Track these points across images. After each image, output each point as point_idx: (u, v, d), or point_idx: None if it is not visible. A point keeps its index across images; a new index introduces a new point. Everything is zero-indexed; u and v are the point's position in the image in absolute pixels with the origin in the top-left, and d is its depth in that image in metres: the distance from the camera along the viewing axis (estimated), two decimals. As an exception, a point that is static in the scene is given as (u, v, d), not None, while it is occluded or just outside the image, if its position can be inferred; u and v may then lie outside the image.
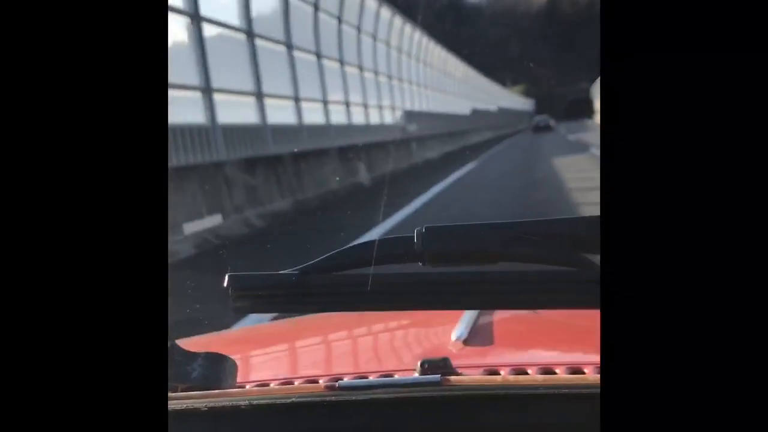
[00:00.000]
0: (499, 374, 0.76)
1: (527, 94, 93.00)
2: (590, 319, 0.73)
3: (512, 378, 0.66)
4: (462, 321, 1.02)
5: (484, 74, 54.28)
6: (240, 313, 0.63)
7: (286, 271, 0.63)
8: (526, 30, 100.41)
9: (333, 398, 0.61)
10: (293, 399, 0.62)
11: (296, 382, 0.82)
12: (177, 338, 0.72)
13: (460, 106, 37.65)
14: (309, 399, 0.62)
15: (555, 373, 0.75)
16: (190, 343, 0.74)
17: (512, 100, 75.92)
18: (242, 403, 0.62)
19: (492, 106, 54.93)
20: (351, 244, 0.63)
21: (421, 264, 0.62)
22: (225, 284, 0.62)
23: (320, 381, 0.81)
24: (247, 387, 0.79)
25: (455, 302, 0.63)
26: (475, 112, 43.51)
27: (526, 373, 0.76)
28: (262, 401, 0.62)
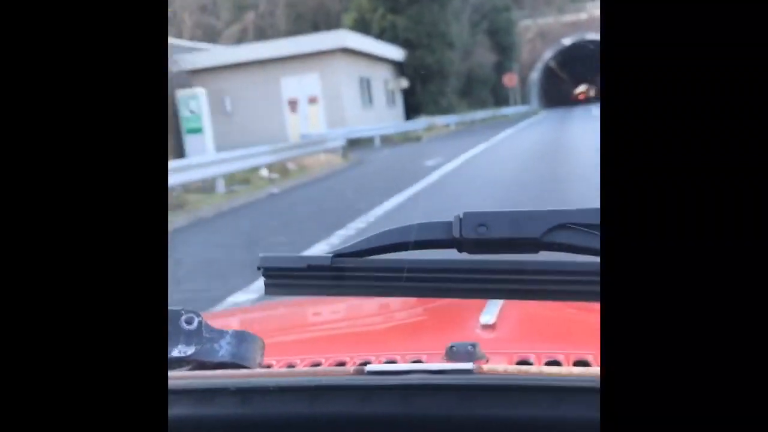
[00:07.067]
0: (531, 364, 0.75)
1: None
2: None
3: (546, 369, 0.64)
4: (489, 305, 1.00)
5: None
6: (271, 295, 0.62)
7: (319, 254, 0.62)
8: None
9: (362, 382, 0.60)
10: (321, 382, 0.61)
11: (323, 363, 0.81)
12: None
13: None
14: (337, 382, 0.61)
15: (589, 365, 0.73)
16: (214, 318, 0.73)
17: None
18: (270, 384, 0.61)
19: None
20: (386, 229, 0.62)
21: (458, 251, 0.60)
22: (258, 265, 0.61)
23: (347, 364, 0.80)
24: (274, 367, 0.78)
25: (492, 292, 0.61)
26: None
27: (559, 364, 0.74)
28: (290, 383, 0.62)
